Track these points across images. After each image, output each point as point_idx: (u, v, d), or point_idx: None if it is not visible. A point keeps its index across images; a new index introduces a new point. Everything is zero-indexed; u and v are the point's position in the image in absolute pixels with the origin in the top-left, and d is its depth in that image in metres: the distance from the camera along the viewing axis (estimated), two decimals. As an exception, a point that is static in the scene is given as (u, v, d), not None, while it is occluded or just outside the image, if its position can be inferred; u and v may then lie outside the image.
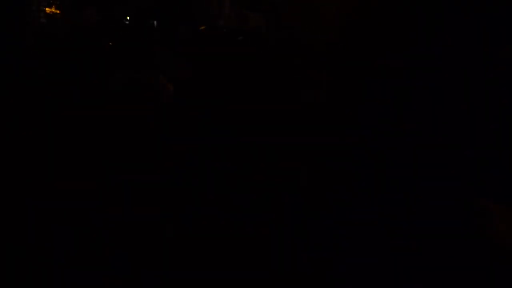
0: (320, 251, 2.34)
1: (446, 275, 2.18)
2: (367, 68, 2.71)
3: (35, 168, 2.54)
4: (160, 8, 3.37)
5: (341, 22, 2.92)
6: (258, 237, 2.37)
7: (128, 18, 3.35)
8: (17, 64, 2.92)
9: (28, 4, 3.16)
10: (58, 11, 3.27)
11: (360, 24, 2.84)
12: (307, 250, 2.35)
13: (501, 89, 2.58)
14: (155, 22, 3.37)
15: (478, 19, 2.63)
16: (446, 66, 2.64)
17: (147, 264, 2.21)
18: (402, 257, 2.25)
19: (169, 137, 2.77)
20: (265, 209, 2.48)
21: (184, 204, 2.49)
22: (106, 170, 2.53)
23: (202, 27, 3.30)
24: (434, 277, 2.19)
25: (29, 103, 2.76)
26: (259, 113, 2.79)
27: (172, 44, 3.24)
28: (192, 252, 2.28)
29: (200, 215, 2.43)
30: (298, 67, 2.93)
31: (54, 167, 2.55)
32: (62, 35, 3.19)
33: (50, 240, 2.23)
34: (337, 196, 2.53)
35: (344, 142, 2.64)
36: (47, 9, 3.27)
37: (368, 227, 2.39)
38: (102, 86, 2.89)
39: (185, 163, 2.64)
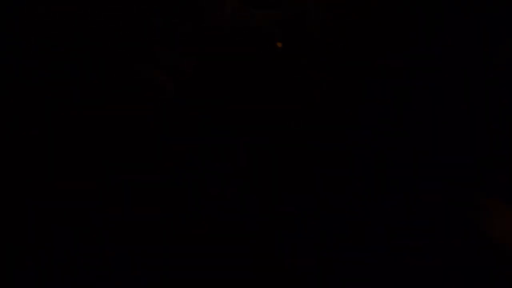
0: (320, 251, 2.34)
1: (446, 275, 2.18)
2: (367, 68, 2.71)
3: (34, 168, 2.54)
4: (161, 7, 3.37)
5: (341, 22, 2.92)
6: (258, 237, 2.37)
7: (130, 16, 3.34)
8: (17, 64, 2.92)
9: (28, 4, 3.15)
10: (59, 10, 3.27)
11: (360, 24, 2.84)
12: (307, 250, 2.35)
13: (501, 88, 2.58)
14: (156, 21, 3.36)
15: (478, 19, 2.63)
16: (446, 66, 2.65)
17: (147, 264, 2.21)
18: (402, 257, 2.25)
19: (169, 137, 2.77)
20: (265, 209, 2.48)
21: (184, 204, 2.49)
22: (106, 170, 2.53)
23: (205, 26, 3.29)
24: (433, 277, 2.19)
25: (28, 103, 2.76)
26: (260, 113, 2.79)
27: (173, 43, 3.24)
28: (192, 252, 2.28)
29: (199, 215, 2.43)
30: (300, 67, 2.93)
31: (53, 167, 2.55)
32: (63, 34, 3.18)
33: (50, 240, 2.23)
34: (337, 196, 2.53)
35: (344, 142, 2.64)
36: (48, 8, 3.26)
37: (368, 227, 2.39)
38: (102, 86, 2.89)
39: (185, 163, 2.64)
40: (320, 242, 2.38)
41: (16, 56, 2.96)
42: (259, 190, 2.55)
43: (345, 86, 2.79)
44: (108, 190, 2.46)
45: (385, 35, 2.75)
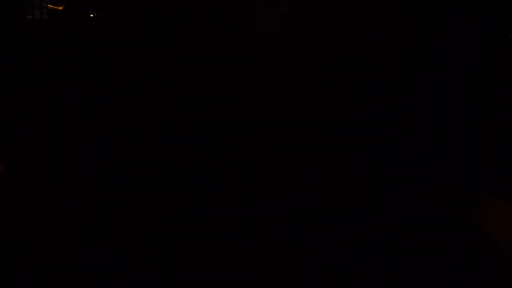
0: (319, 251, 2.34)
1: (446, 275, 2.17)
2: (367, 68, 2.71)
3: (34, 169, 2.54)
4: (161, 9, 3.37)
5: (341, 22, 2.91)
6: (259, 237, 2.37)
7: (130, 17, 3.35)
8: (17, 64, 2.92)
9: (28, 4, 3.15)
10: (60, 9, 3.27)
11: (360, 24, 2.84)
12: (306, 250, 2.35)
13: (501, 88, 2.58)
14: (156, 22, 3.37)
15: (478, 19, 2.63)
16: (446, 66, 2.64)
17: (147, 264, 2.20)
18: (402, 257, 2.24)
19: (169, 137, 2.77)
20: (265, 209, 2.47)
21: (184, 204, 2.49)
22: (107, 170, 2.53)
23: (205, 27, 3.29)
24: (434, 277, 2.18)
25: (29, 103, 2.76)
26: (259, 113, 2.78)
27: (174, 43, 3.24)
28: (192, 252, 2.28)
29: (200, 215, 2.42)
30: (300, 67, 2.93)
31: (54, 168, 2.54)
32: (63, 34, 3.18)
33: (52, 239, 2.23)
34: (338, 196, 2.52)
35: (344, 142, 2.64)
36: (49, 5, 3.26)
37: (368, 227, 2.38)
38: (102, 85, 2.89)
39: (185, 163, 2.64)
40: (320, 242, 2.37)
41: (16, 57, 2.96)
42: (259, 190, 2.55)
43: (345, 86, 2.78)
44: (108, 190, 2.46)
45: (385, 35, 2.75)
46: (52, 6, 3.31)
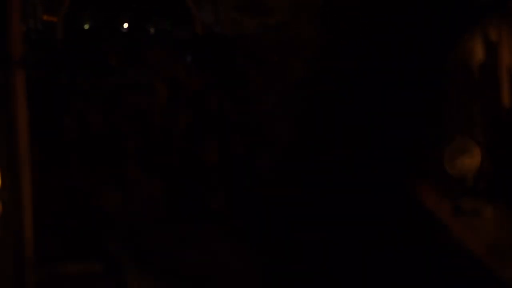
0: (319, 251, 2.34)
1: (444, 277, 2.17)
2: (367, 69, 2.73)
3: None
4: (156, 13, 3.39)
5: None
6: (256, 236, 2.37)
7: (125, 23, 3.36)
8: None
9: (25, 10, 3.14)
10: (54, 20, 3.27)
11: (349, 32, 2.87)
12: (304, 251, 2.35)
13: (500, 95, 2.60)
14: (151, 26, 3.39)
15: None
16: (447, 68, 2.66)
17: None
18: (394, 261, 2.25)
19: (166, 139, 2.77)
20: (266, 208, 2.48)
21: (183, 204, 2.49)
22: (110, 170, 2.53)
23: (198, 32, 3.32)
24: (428, 279, 2.18)
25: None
26: (257, 112, 2.79)
27: (167, 48, 3.26)
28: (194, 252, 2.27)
29: (203, 213, 2.43)
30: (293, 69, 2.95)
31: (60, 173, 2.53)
32: (61, 39, 3.18)
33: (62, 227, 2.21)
34: (332, 195, 2.53)
35: (343, 142, 2.65)
36: (44, 16, 3.26)
37: (361, 232, 2.39)
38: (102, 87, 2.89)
39: (188, 162, 2.64)
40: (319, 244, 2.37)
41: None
42: (256, 189, 2.55)
43: (343, 85, 2.81)
44: (107, 189, 2.46)
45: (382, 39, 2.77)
46: (48, 17, 3.31)
